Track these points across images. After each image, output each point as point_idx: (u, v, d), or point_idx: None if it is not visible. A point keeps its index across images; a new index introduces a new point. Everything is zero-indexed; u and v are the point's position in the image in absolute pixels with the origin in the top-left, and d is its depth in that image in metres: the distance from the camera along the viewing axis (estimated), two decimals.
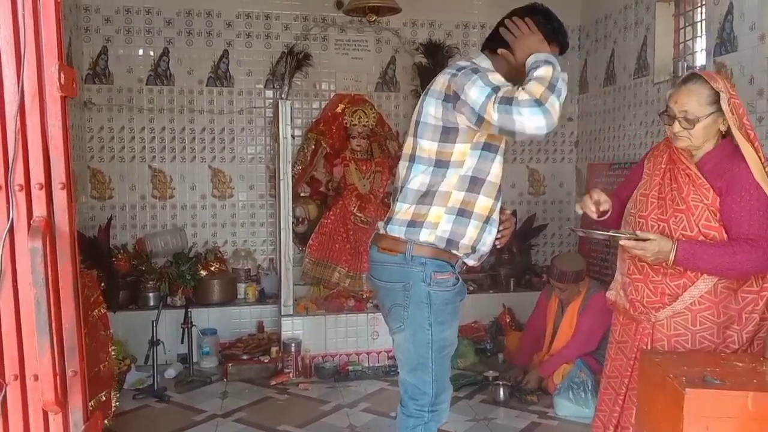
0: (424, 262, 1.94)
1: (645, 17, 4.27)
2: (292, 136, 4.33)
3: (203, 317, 4.29)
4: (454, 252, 1.98)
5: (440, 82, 1.90)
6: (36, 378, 1.14)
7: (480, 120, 1.78)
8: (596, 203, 2.11)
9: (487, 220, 1.98)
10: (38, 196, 1.14)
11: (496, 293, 4.76)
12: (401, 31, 4.94)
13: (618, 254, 2.24)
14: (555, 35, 1.96)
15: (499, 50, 1.95)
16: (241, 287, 4.59)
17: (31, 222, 1.13)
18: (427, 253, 1.95)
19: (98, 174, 4.64)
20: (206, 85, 4.76)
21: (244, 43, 4.78)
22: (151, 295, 4.30)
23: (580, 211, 2.12)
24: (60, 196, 1.16)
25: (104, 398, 2.87)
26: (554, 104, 1.70)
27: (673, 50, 4.16)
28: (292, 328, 4.10)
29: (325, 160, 4.70)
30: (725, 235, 1.96)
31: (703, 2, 3.82)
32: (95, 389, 2.73)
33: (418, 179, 1.94)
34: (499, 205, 2.01)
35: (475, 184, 1.92)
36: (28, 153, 1.13)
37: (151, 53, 4.66)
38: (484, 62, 1.97)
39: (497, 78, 1.81)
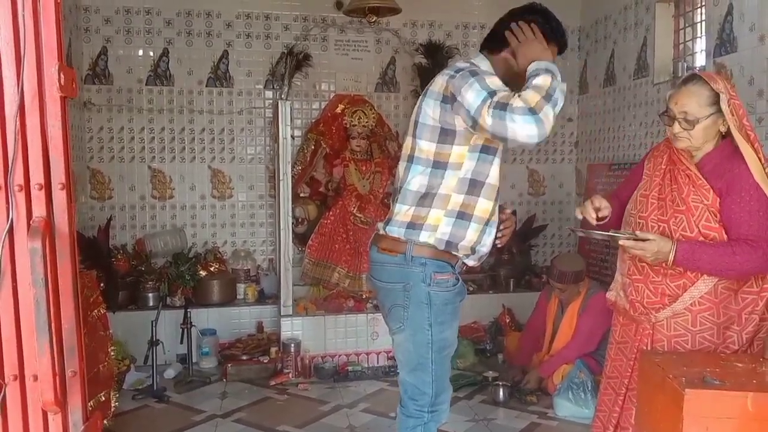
0: (424, 263, 1.94)
1: (645, 18, 4.28)
2: (292, 137, 4.33)
3: (203, 317, 4.29)
4: (454, 253, 1.98)
5: (439, 83, 1.90)
6: (35, 378, 1.14)
7: (475, 123, 1.78)
8: (596, 209, 2.11)
9: (487, 222, 1.98)
10: (38, 197, 1.14)
11: (496, 294, 4.76)
12: (401, 31, 4.94)
13: (618, 255, 2.24)
14: (553, 35, 1.96)
15: (503, 53, 1.95)
16: (241, 287, 4.58)
17: (31, 222, 1.13)
18: (427, 253, 1.95)
19: (98, 174, 4.64)
20: (206, 86, 4.76)
21: (243, 44, 4.78)
22: (150, 295, 4.30)
23: (580, 216, 2.12)
24: (59, 197, 1.16)
25: (104, 398, 2.87)
26: (548, 114, 1.70)
27: (672, 51, 4.17)
28: (291, 328, 4.10)
29: (325, 160, 4.70)
30: (725, 236, 1.96)
31: (703, 3, 3.83)
32: (94, 389, 2.73)
33: (417, 180, 1.94)
34: (497, 205, 2.01)
35: (474, 186, 1.92)
36: (27, 153, 1.13)
37: (151, 54, 4.67)
38: (482, 63, 1.97)
39: (495, 82, 1.80)
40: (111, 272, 4.17)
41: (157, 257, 4.55)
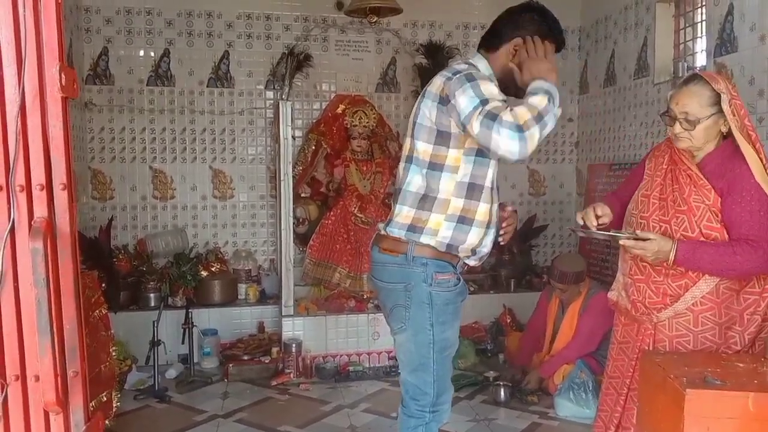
0: (426, 263, 1.95)
1: (645, 18, 4.27)
2: (293, 137, 4.33)
3: (204, 318, 4.29)
4: (455, 254, 1.98)
5: (436, 84, 1.91)
6: (37, 378, 1.14)
7: (464, 128, 1.80)
8: (597, 217, 2.11)
9: (487, 225, 1.98)
10: (39, 197, 1.14)
11: (497, 294, 4.76)
12: (402, 32, 4.94)
13: (620, 255, 2.24)
14: (551, 33, 1.96)
15: (500, 49, 1.96)
16: (242, 288, 4.59)
17: (32, 223, 1.13)
18: (428, 253, 1.95)
19: (99, 175, 4.65)
20: (207, 86, 4.76)
21: (244, 44, 4.78)
22: (152, 295, 4.30)
23: (581, 222, 2.12)
24: (61, 197, 1.16)
25: (105, 399, 2.87)
26: (534, 135, 1.70)
27: (673, 51, 4.16)
28: (292, 328, 4.10)
29: (326, 160, 4.70)
30: (726, 236, 1.96)
31: (704, 3, 3.82)
32: (96, 390, 2.73)
33: (416, 181, 1.95)
34: (496, 206, 2.02)
35: (473, 190, 1.92)
36: (29, 154, 1.13)
37: (152, 54, 4.67)
38: (480, 62, 1.98)
39: (489, 89, 1.80)
40: (112, 272, 4.17)
41: (159, 257, 4.55)
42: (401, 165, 2.02)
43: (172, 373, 3.99)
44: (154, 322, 3.74)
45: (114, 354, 3.11)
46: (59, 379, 1.13)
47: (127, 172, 4.69)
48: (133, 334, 4.02)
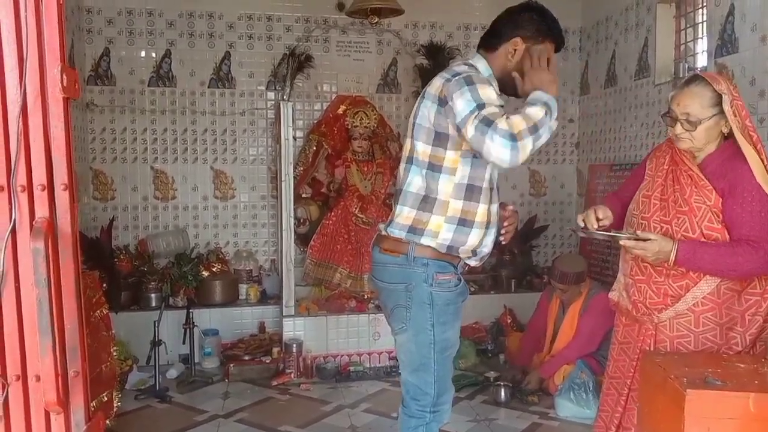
0: (426, 263, 1.95)
1: (646, 19, 4.27)
2: (294, 138, 4.34)
3: (205, 318, 4.29)
4: (456, 254, 1.98)
5: (436, 85, 1.92)
6: (38, 378, 1.14)
7: (459, 131, 1.81)
8: (597, 219, 2.11)
9: (487, 225, 1.98)
10: (40, 197, 1.14)
11: (497, 294, 4.76)
12: (402, 32, 4.94)
13: (621, 255, 2.23)
14: (550, 32, 1.97)
15: (499, 49, 1.96)
16: (243, 288, 4.59)
17: (34, 223, 1.13)
18: (429, 254, 1.95)
19: (100, 175, 4.65)
20: (208, 87, 4.76)
21: (245, 45, 4.79)
22: (153, 295, 4.31)
23: (582, 224, 2.11)
24: (62, 197, 1.16)
25: (106, 398, 2.87)
26: (527, 146, 1.72)
27: (674, 51, 4.16)
28: (293, 328, 4.11)
29: (327, 161, 4.71)
30: (727, 237, 1.96)
31: (704, 3, 3.82)
32: (97, 389, 2.73)
33: (416, 182, 1.95)
34: (496, 206, 2.02)
35: (472, 192, 1.93)
36: (30, 154, 1.14)
37: (153, 55, 4.67)
38: (480, 63, 1.98)
39: (487, 94, 1.81)
40: (113, 273, 4.18)
41: (160, 258, 4.55)
42: (402, 166, 2.02)
43: (173, 373, 3.99)
44: (155, 322, 3.74)
45: (115, 354, 3.11)
46: (60, 379, 1.13)
47: (128, 173, 4.69)
48: (134, 334, 4.02)
